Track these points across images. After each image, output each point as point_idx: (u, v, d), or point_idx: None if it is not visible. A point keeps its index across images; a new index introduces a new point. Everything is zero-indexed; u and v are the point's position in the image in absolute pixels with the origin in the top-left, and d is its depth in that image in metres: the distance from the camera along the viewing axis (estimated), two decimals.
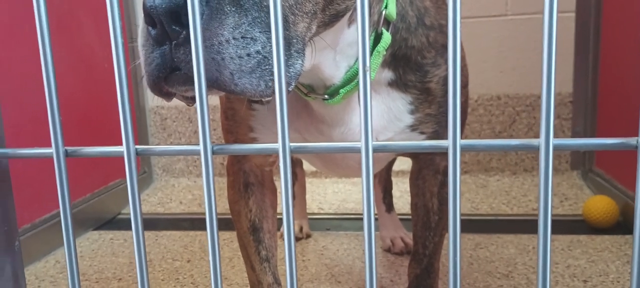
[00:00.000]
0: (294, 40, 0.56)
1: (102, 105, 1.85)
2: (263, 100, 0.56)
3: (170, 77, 0.51)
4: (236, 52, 0.49)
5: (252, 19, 0.50)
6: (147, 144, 2.27)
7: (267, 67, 0.51)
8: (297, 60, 0.56)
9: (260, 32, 0.50)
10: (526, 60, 2.03)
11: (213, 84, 0.49)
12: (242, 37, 0.49)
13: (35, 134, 1.48)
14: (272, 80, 0.51)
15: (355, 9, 0.67)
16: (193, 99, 0.56)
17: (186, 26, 0.48)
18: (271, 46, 0.51)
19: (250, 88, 0.51)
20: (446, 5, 0.80)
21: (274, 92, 0.52)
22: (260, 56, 0.50)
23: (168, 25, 0.48)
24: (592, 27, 1.89)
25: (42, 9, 0.44)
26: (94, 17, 1.82)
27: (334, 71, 0.71)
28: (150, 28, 0.50)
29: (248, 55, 0.50)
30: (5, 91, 1.42)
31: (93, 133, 1.82)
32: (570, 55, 1.97)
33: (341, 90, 0.71)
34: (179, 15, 0.47)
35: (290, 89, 0.60)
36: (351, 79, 0.71)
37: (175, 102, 2.05)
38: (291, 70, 0.56)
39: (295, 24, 0.55)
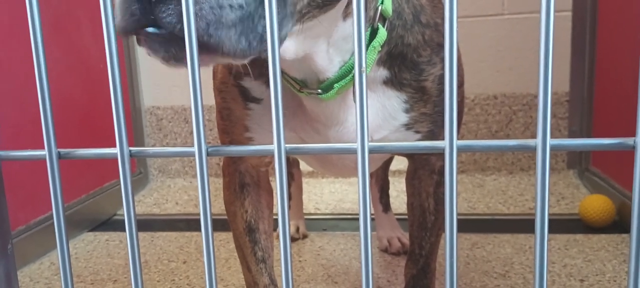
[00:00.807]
0: (289, 2, 0.54)
1: (100, 106, 1.85)
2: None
3: (148, 38, 0.48)
4: (217, 2, 0.47)
5: None
6: (143, 145, 2.27)
7: (251, 25, 0.49)
8: (288, 21, 0.54)
9: None
10: (523, 60, 2.04)
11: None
12: None
13: (34, 135, 1.47)
14: (257, 40, 0.49)
15: (350, 3, 0.67)
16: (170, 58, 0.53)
17: None
18: (256, 3, 0.48)
19: (228, 43, 0.48)
20: (442, 4, 0.80)
21: (259, 53, 0.49)
22: (243, 11, 0.48)
23: None
24: (588, 27, 1.90)
25: (35, 9, 0.43)
26: (91, 17, 1.82)
27: (327, 64, 0.70)
28: None
29: (230, 6, 0.47)
30: (5, 92, 1.41)
31: (91, 134, 1.82)
32: (566, 55, 1.98)
33: (335, 85, 0.70)
34: None
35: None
36: (345, 74, 0.71)
37: (171, 102, 2.04)
38: (282, 31, 0.54)
39: None
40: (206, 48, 0.48)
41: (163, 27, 0.46)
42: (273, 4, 0.39)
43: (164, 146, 2.27)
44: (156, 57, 0.50)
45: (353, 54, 0.64)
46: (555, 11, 0.36)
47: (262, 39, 0.50)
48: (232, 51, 0.48)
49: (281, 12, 0.53)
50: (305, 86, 0.73)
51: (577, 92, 1.99)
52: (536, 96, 1.97)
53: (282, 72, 0.73)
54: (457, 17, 0.38)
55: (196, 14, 0.46)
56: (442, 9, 0.79)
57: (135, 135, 2.24)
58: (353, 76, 0.70)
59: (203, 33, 0.46)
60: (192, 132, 2.32)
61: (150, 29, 0.47)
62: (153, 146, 2.29)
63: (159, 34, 0.47)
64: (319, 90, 0.72)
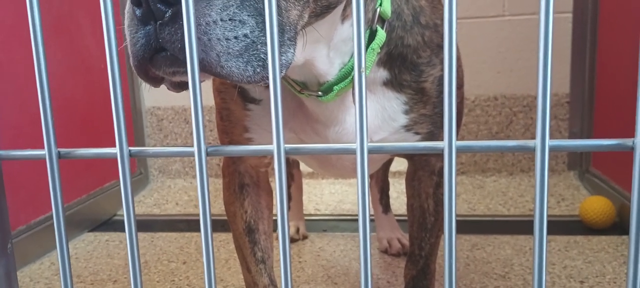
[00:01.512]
0: (287, 27, 0.55)
1: (100, 106, 1.85)
2: (257, 85, 0.56)
3: (155, 58, 0.51)
4: (223, 33, 0.49)
5: (240, 1, 0.49)
6: (144, 145, 2.27)
7: (255, 52, 0.50)
8: (289, 48, 0.56)
9: (248, 15, 0.50)
10: (523, 61, 2.04)
11: (199, 65, 0.49)
12: (229, 19, 0.49)
13: (34, 135, 1.47)
14: (260, 66, 0.51)
15: (348, 4, 0.67)
16: (180, 84, 0.55)
17: (171, 5, 0.47)
18: (260, 31, 0.50)
19: (237, 72, 0.50)
20: (441, 5, 0.80)
21: (262, 79, 0.52)
22: (248, 40, 0.50)
23: (153, 4, 0.47)
24: (589, 28, 1.90)
25: (35, 10, 0.43)
26: (92, 18, 1.82)
27: (328, 67, 0.70)
28: (135, 8, 0.49)
29: (235, 38, 0.49)
30: (5, 92, 1.42)
31: (92, 134, 1.82)
32: (567, 56, 1.98)
33: (335, 87, 0.71)
34: None
35: (281, 74, 0.60)
36: (345, 76, 0.71)
37: (172, 102, 2.05)
38: (283, 58, 0.55)
39: (287, 11, 0.55)
40: (214, 75, 0.50)
41: (169, 50, 0.49)
42: (273, 2, 0.39)
43: (164, 146, 2.27)
44: (167, 79, 0.53)
45: (353, 55, 0.65)
46: (555, 12, 0.36)
47: (265, 65, 0.51)
48: (240, 79, 0.50)
49: (279, 40, 0.54)
50: (305, 88, 0.73)
51: (578, 94, 1.99)
52: (536, 97, 1.97)
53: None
54: (457, 18, 0.38)
55: (206, 45, 0.48)
56: (442, 9, 0.79)
57: (136, 136, 2.24)
58: (353, 78, 0.71)
59: (215, 64, 0.49)
60: (192, 133, 2.32)
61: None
62: (153, 146, 2.29)
63: (163, 55, 0.50)
64: (319, 92, 0.72)
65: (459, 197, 1.89)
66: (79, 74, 1.76)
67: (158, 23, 0.49)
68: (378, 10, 0.71)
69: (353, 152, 0.41)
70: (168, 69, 0.52)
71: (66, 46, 1.70)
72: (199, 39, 0.48)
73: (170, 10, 0.47)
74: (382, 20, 0.72)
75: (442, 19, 0.78)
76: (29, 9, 0.43)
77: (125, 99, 2.04)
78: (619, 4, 1.68)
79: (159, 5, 0.47)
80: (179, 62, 0.50)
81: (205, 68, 0.49)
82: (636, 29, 1.53)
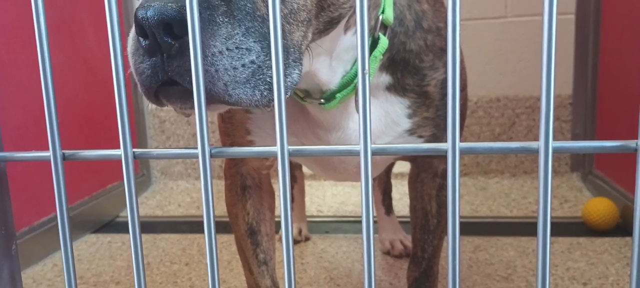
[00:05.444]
0: (291, 49, 0.55)
1: (102, 108, 1.85)
2: (265, 108, 0.56)
3: (164, 90, 0.50)
4: (230, 63, 0.48)
5: (245, 29, 0.49)
6: (146, 147, 2.27)
7: (261, 76, 0.51)
8: (294, 69, 0.56)
9: (254, 41, 0.50)
10: (526, 62, 2.03)
11: (207, 96, 0.49)
12: (235, 48, 0.49)
13: (36, 136, 1.48)
14: (267, 89, 0.51)
15: (351, 16, 0.67)
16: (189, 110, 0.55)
17: (179, 38, 0.47)
18: (265, 55, 0.50)
19: (245, 98, 0.50)
20: (444, 8, 0.80)
21: (269, 102, 0.52)
22: (255, 66, 0.50)
23: (160, 37, 0.47)
24: (591, 29, 1.89)
25: (41, 11, 0.44)
26: (94, 20, 1.82)
27: (331, 76, 0.71)
28: (141, 38, 0.49)
29: (243, 65, 0.49)
30: (8, 93, 1.42)
31: (94, 136, 1.82)
32: (570, 57, 1.98)
33: (337, 95, 0.71)
34: (171, 27, 0.46)
35: (287, 95, 0.60)
36: (347, 83, 0.71)
37: None
38: (288, 79, 0.55)
39: (291, 33, 0.55)
40: (222, 103, 0.50)
41: (179, 82, 0.49)
42: (276, 9, 0.39)
43: (166, 148, 2.28)
44: (173, 107, 0.53)
45: (355, 62, 0.65)
46: (558, 14, 0.36)
47: (271, 88, 0.51)
48: (248, 104, 0.51)
49: (284, 61, 0.54)
50: (308, 96, 0.74)
51: (581, 95, 1.99)
52: (539, 99, 1.97)
53: None
54: (460, 20, 0.38)
55: (213, 76, 0.48)
56: (445, 13, 0.79)
57: (138, 137, 2.24)
58: (355, 85, 0.71)
59: (223, 93, 0.49)
60: (194, 135, 2.31)
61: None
62: (156, 148, 2.29)
63: (174, 89, 0.50)
64: (322, 100, 0.72)
65: (461, 199, 1.89)
66: (80, 75, 1.77)
67: (165, 55, 0.48)
68: (380, 17, 0.71)
69: (356, 153, 0.41)
70: (177, 103, 0.51)
71: (68, 48, 1.71)
72: (206, 71, 0.48)
73: (177, 44, 0.47)
74: (384, 26, 0.72)
75: (444, 23, 0.78)
76: (34, 11, 0.43)
77: (128, 100, 2.04)
78: (621, 5, 1.68)
79: (165, 39, 0.47)
80: (189, 94, 0.49)
81: (213, 98, 0.49)
82: (639, 30, 1.53)
